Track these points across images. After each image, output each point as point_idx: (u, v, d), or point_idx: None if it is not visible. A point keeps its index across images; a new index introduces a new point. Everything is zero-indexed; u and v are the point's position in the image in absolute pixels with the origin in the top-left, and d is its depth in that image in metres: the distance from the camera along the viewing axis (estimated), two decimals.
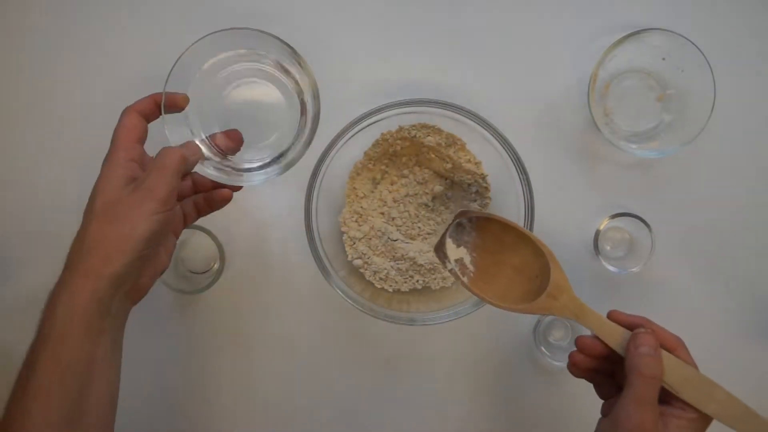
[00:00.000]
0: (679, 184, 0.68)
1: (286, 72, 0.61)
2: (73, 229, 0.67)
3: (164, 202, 0.49)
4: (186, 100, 0.56)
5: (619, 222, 0.67)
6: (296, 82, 0.61)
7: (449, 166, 0.66)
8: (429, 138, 0.65)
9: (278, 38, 0.57)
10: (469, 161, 0.66)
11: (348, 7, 0.68)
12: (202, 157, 0.55)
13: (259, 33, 0.57)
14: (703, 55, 0.62)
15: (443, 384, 0.69)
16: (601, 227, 0.66)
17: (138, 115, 0.53)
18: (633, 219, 0.65)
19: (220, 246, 0.65)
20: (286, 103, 0.62)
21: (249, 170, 0.60)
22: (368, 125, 0.63)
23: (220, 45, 0.58)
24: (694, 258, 0.68)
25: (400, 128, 0.65)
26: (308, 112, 0.60)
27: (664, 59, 0.65)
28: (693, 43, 0.62)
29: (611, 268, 0.66)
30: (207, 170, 0.56)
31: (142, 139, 0.53)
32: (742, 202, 0.68)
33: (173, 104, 0.55)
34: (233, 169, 0.59)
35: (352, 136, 0.62)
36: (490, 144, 0.63)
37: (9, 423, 0.47)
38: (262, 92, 0.62)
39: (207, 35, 0.57)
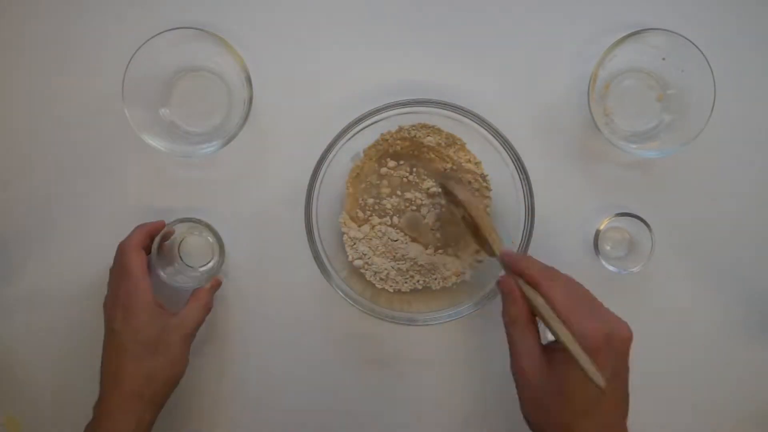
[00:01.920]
0: (679, 184, 0.68)
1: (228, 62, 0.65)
2: (72, 230, 0.68)
3: (194, 333, 0.63)
4: (163, 223, 0.65)
5: (619, 222, 0.67)
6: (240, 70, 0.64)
7: (449, 166, 0.66)
8: (429, 138, 0.65)
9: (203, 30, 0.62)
10: (469, 161, 0.66)
11: (349, 6, 0.68)
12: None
13: (196, 31, 0.62)
14: (703, 55, 0.62)
15: (443, 384, 0.69)
16: (601, 227, 0.66)
17: (141, 250, 0.62)
18: (633, 219, 0.65)
19: (219, 240, 0.65)
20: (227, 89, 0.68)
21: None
22: (368, 125, 0.63)
23: (171, 41, 0.63)
24: (694, 258, 0.68)
25: (400, 128, 0.65)
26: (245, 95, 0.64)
27: (664, 59, 0.65)
28: (693, 43, 0.62)
29: (611, 268, 0.66)
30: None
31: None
32: (741, 202, 0.68)
33: (158, 230, 0.64)
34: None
35: (352, 137, 0.62)
36: (490, 144, 0.63)
37: None
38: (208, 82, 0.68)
39: (157, 34, 0.61)
